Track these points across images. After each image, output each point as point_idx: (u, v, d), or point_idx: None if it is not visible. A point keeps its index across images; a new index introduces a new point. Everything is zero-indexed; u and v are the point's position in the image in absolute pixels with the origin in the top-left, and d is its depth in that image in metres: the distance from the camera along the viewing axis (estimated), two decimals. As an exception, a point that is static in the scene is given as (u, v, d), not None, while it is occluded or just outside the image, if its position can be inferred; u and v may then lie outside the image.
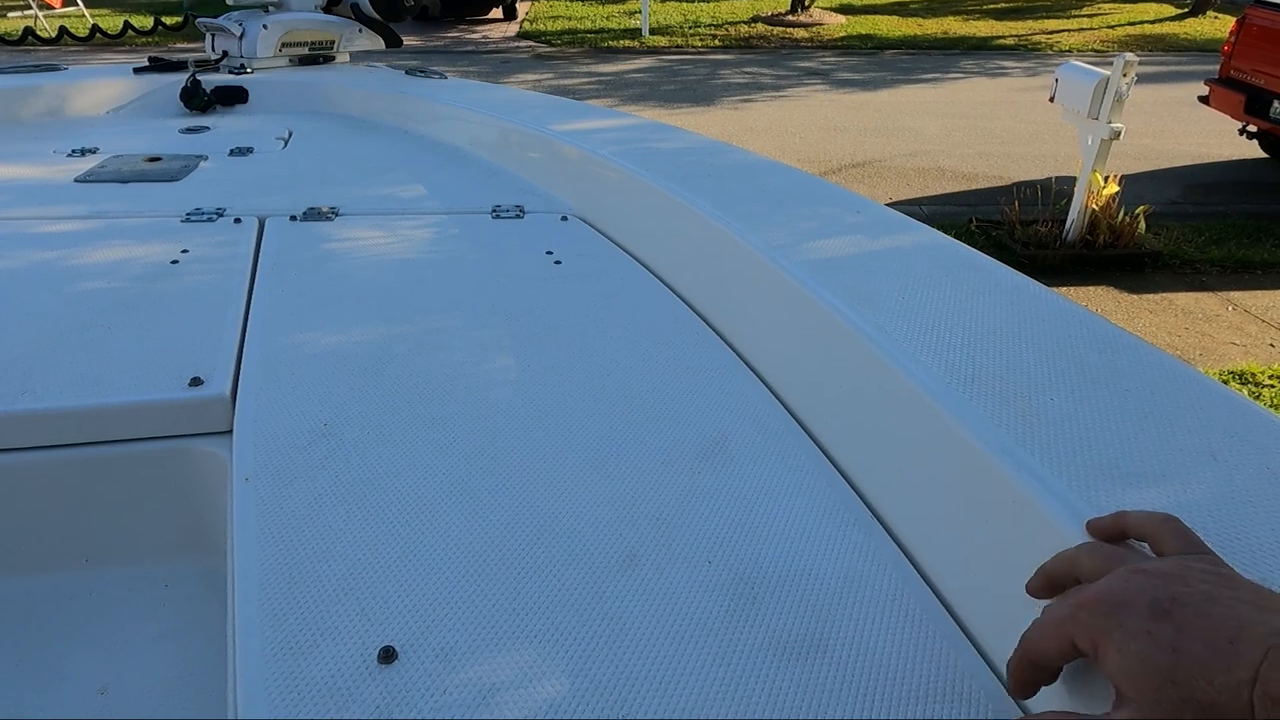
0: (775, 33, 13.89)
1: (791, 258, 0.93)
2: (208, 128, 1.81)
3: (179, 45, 12.96)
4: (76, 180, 1.42)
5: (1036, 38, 13.79)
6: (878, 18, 15.33)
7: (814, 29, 14.12)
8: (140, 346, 0.90)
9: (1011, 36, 13.99)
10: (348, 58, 2.33)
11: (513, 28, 14.56)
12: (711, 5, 16.69)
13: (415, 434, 0.77)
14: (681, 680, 0.54)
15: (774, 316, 0.93)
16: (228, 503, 0.72)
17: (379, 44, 2.34)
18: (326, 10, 2.26)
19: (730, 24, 14.67)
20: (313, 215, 1.29)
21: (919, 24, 14.86)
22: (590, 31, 13.99)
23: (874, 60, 12.29)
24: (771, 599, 0.61)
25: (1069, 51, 12.80)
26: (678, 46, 12.96)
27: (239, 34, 2.09)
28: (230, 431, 0.80)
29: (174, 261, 1.11)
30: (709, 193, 1.15)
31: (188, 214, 1.28)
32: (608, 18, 15.30)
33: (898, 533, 0.69)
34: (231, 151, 1.63)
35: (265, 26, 2.09)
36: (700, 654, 0.56)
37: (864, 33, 13.93)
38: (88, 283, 1.04)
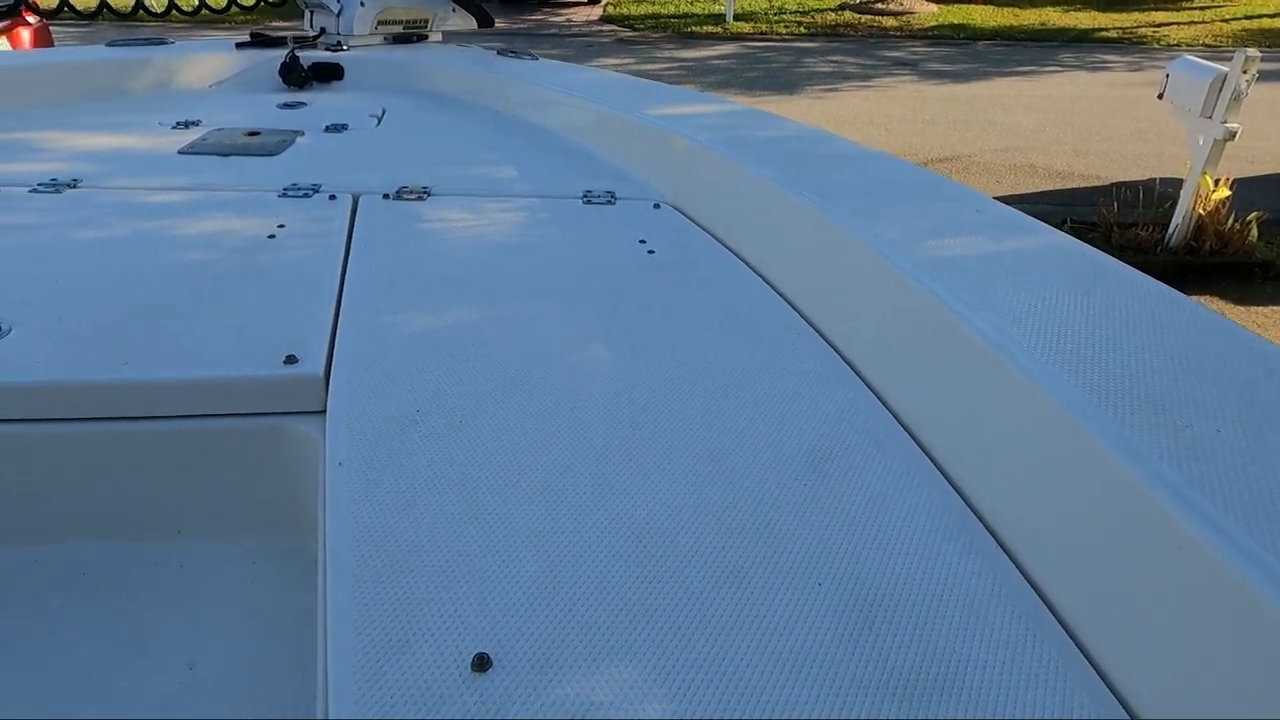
0: (863, 21, 13.54)
1: (905, 255, 0.87)
2: (304, 104, 1.83)
3: (277, 24, 13.35)
4: (180, 152, 1.45)
5: (1142, 30, 13.10)
6: (971, 7, 14.79)
7: (903, 18, 13.71)
8: (237, 320, 0.90)
9: (1115, 29, 13.32)
10: (440, 36, 2.33)
11: (596, 11, 14.55)
12: (798, -9, 16.36)
13: (507, 428, 0.75)
14: (791, 714, 0.49)
15: (884, 318, 0.87)
16: (320, 485, 0.71)
17: (471, 24, 2.33)
18: (422, -10, 2.27)
19: (816, 11, 14.36)
20: (406, 194, 1.28)
21: (1015, 14, 14.28)
22: (674, 16, 13.87)
23: (966, 51, 11.86)
24: (889, 629, 0.56)
25: (1177, 46, 12.12)
26: (762, 33, 12.75)
27: (337, 11, 2.10)
28: (323, 412, 0.79)
29: (270, 236, 1.11)
30: (813, 183, 1.10)
31: (284, 189, 1.28)
32: (692, 2, 15.15)
33: (1024, 562, 0.63)
34: (327, 128, 1.63)
35: (362, 4, 2.11)
36: (811, 687, 0.51)
37: (956, 22, 13.46)
38: (187, 254, 1.05)
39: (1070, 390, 0.63)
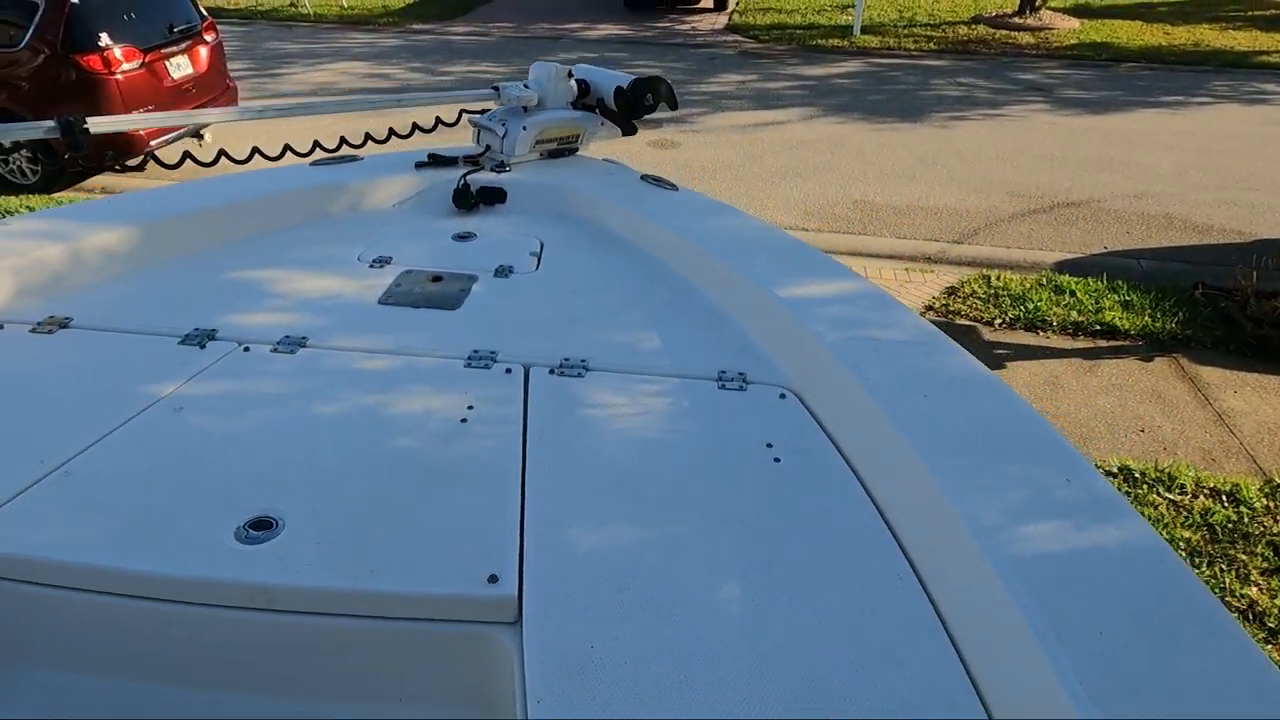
0: (997, 36, 13.09)
1: (998, 546, 1.00)
2: (474, 234, 2.09)
3: (415, 26, 14.05)
4: (380, 302, 1.72)
5: (1310, 55, 12.17)
6: (1117, 23, 14.06)
7: (1042, 34, 13.17)
8: (444, 526, 1.14)
9: (1278, 52, 12.42)
10: (589, 148, 2.56)
11: (721, 19, 14.62)
12: (930, 0, 15.94)
13: (667, 671, 0.95)
14: None
15: (984, 607, 1.01)
16: (515, 709, 0.93)
17: (617, 134, 2.55)
18: (575, 106, 2.50)
19: (949, 24, 13.98)
20: (567, 369, 1.50)
21: (1166, 31, 13.49)
22: (799, 27, 13.79)
23: (1107, 76, 11.33)
24: None
25: (1349, 74, 11.21)
26: (889, 48, 12.54)
27: (502, 134, 2.36)
28: (517, 622, 1.02)
29: (463, 420, 1.35)
30: (919, 419, 1.24)
31: (468, 357, 1.53)
32: (819, 11, 15.00)
33: None
34: (496, 271, 1.88)
35: (525, 128, 2.36)
36: None
37: (1099, 40, 12.84)
38: (401, 438, 1.30)
39: None
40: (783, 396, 1.47)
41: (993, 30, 13.47)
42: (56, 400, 1.37)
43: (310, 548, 1.09)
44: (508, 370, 1.50)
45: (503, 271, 1.89)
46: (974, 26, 13.75)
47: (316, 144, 2.22)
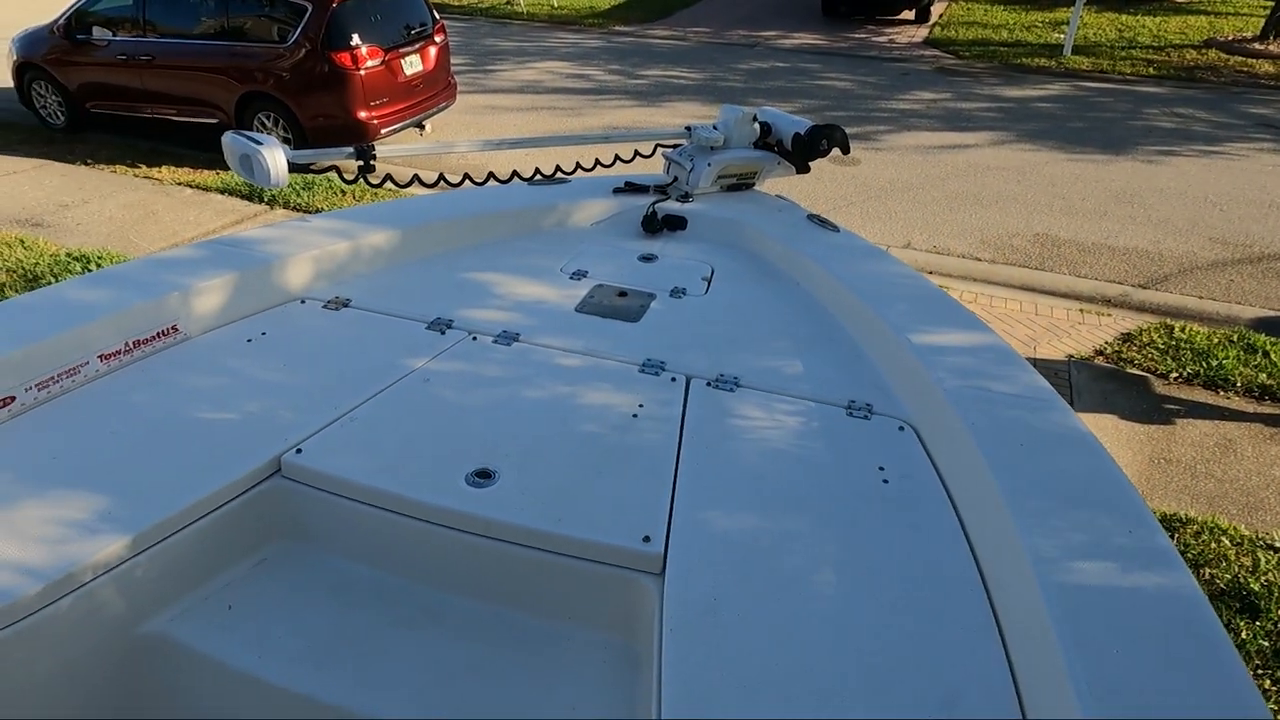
0: (1230, 63, 12.04)
1: (1051, 575, 1.22)
2: (656, 257, 2.45)
3: (617, 27, 14.77)
4: (576, 310, 2.12)
5: None
6: (1383, 53, 12.52)
7: (1285, 63, 11.98)
8: (614, 495, 1.49)
9: None
10: (764, 184, 2.86)
11: (922, 32, 14.33)
12: (1158, 20, 14.81)
13: (769, 625, 1.25)
14: None
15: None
16: (654, 638, 1.26)
17: (792, 171, 2.83)
18: (756, 146, 2.81)
19: (1175, 47, 12.99)
20: (721, 383, 1.82)
21: None
22: (1004, 44, 13.29)
23: (1358, 113, 10.20)
24: None
25: None
26: (1101, 72, 11.86)
27: (689, 169, 2.71)
28: (661, 573, 1.36)
29: (634, 415, 1.71)
30: (1010, 464, 1.45)
31: (643, 364, 1.89)
32: (1027, 28, 14.36)
33: None
34: (672, 291, 2.23)
35: (709, 164, 2.69)
36: None
37: (1355, 73, 11.52)
38: (587, 425, 1.67)
39: None
40: (901, 429, 1.71)
41: (1226, 56, 12.39)
42: (343, 364, 1.85)
43: (518, 497, 1.48)
44: (673, 379, 1.85)
45: (677, 292, 2.24)
46: (1204, 51, 12.70)
47: (537, 170, 2.69)
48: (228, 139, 2.07)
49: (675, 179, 2.80)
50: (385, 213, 2.42)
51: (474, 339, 1.98)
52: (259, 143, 2.01)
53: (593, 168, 2.74)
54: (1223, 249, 6.49)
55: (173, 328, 1.89)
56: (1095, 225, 6.86)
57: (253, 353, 1.88)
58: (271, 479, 1.55)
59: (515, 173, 2.57)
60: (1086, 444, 1.51)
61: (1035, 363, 4.92)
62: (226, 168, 8.20)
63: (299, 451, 1.57)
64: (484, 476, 1.52)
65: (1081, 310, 5.62)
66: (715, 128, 2.75)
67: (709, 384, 1.83)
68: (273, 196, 6.89)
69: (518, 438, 1.63)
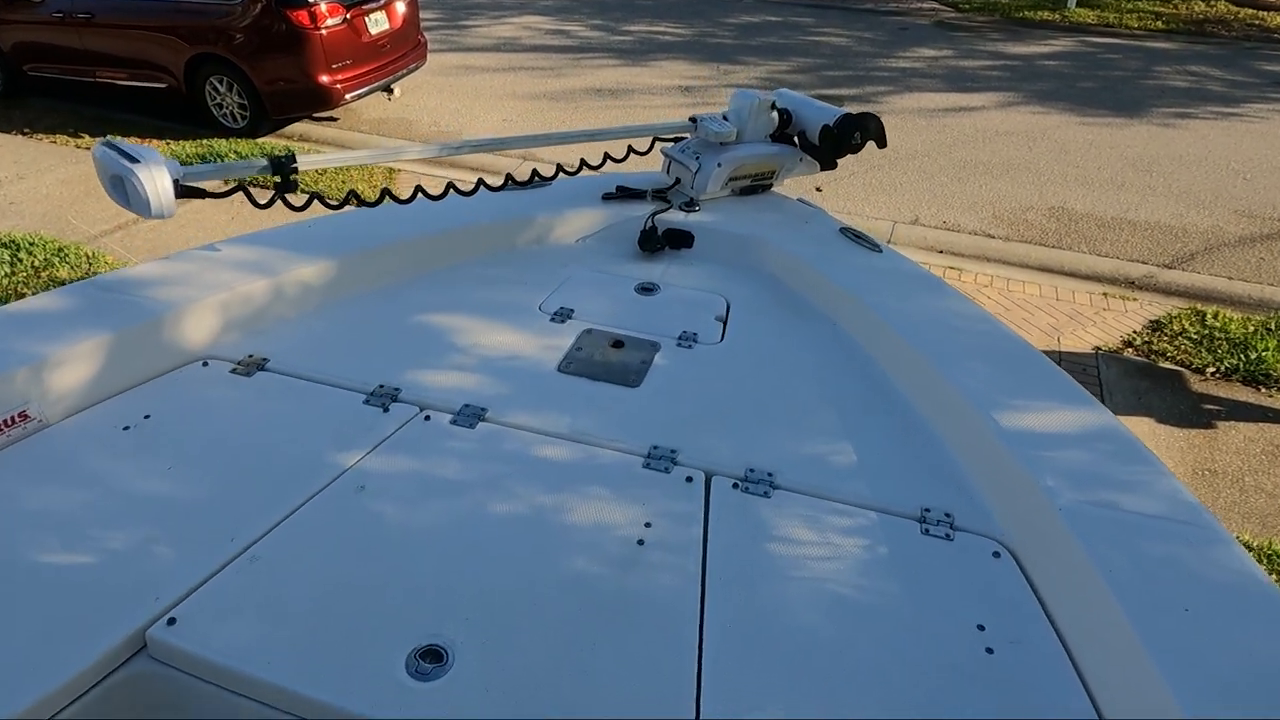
0: (1241, 15, 11.51)
1: None
2: (657, 286, 1.99)
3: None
4: (559, 370, 1.67)
5: None
6: (1398, 5, 12.02)
7: (1298, 16, 11.47)
8: (617, 674, 1.07)
9: None
10: (782, 184, 2.39)
11: (919, -17, 13.64)
12: (1163, -31, 14.18)
13: None
14: None
15: None
16: None
17: (815, 169, 2.37)
18: (773, 139, 2.33)
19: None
20: (752, 483, 1.39)
21: None
22: (1006, -4, 12.67)
23: (1376, 70, 9.75)
24: None
25: None
26: (1107, 25, 11.30)
27: (694, 170, 2.24)
28: None
29: (640, 541, 1.27)
30: (1173, 641, 1.03)
31: (648, 455, 1.44)
32: (1029, -22, 13.70)
33: None
34: (680, 338, 1.78)
35: (719, 164, 2.22)
36: None
37: (1371, 27, 11.04)
38: (576, 559, 1.24)
39: None
40: (996, 555, 1.29)
41: (1235, 9, 11.85)
42: (249, 462, 1.40)
43: (480, 691, 1.05)
44: (688, 479, 1.41)
45: (686, 339, 1.79)
46: (1213, 3, 12.16)
47: (509, 177, 2.17)
48: (97, 153, 1.59)
49: (677, 181, 2.32)
50: (318, 235, 1.94)
51: (426, 418, 1.52)
52: (135, 159, 1.52)
53: (578, 169, 2.25)
54: (1250, 223, 6.08)
55: (20, 415, 1.42)
56: (1113, 197, 6.42)
57: (128, 448, 1.42)
58: (132, 662, 1.11)
59: (480, 180, 2.07)
60: (1273, 601, 1.10)
61: (1060, 356, 4.52)
62: (183, 136, 7.59)
63: (172, 622, 1.12)
64: (433, 659, 1.09)
65: (1105, 294, 5.21)
66: (725, 118, 2.28)
67: (736, 485, 1.40)
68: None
69: (481, 589, 1.20)
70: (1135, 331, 4.76)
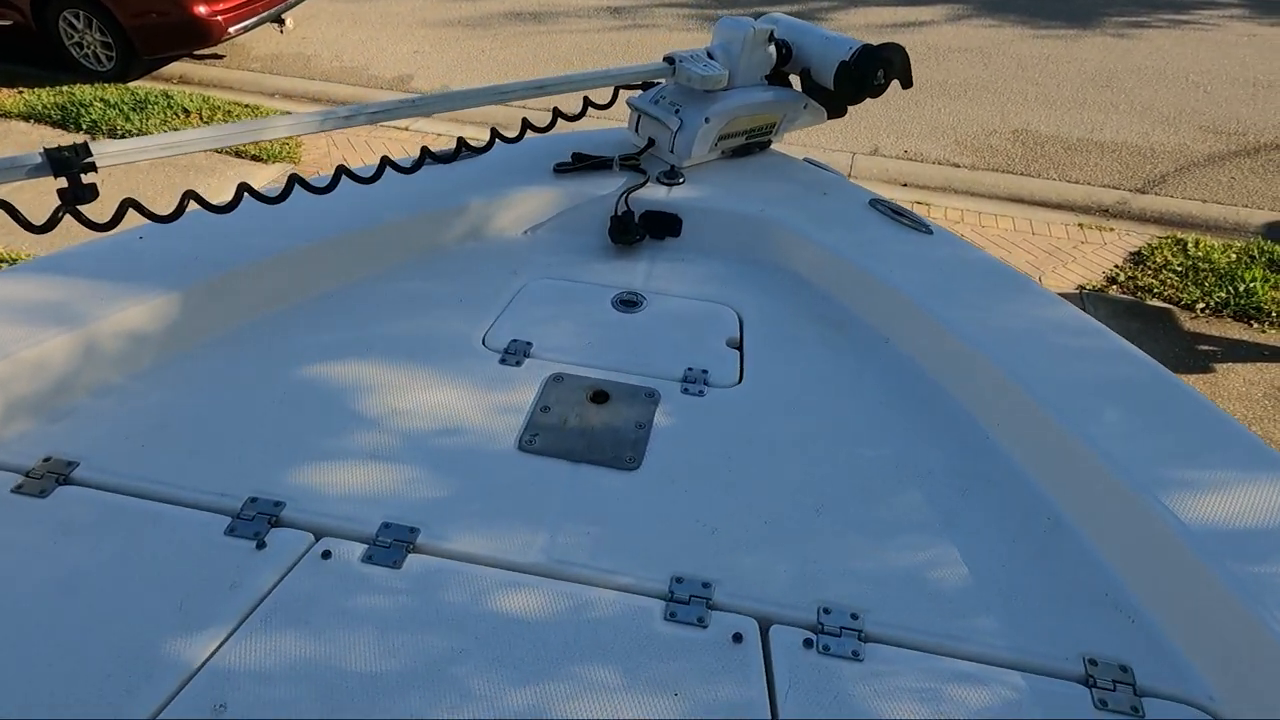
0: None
1: None
2: (642, 298, 1.47)
3: None
4: (520, 448, 1.15)
5: None
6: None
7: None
8: None
9: None
10: (780, 140, 1.88)
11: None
12: None
13: None
14: None
15: None
16: None
17: (822, 118, 1.86)
18: (770, 79, 1.80)
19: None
20: (830, 634, 0.93)
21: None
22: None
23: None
24: None
25: None
26: (1049, -71, 10.80)
27: (675, 128, 1.69)
28: None
29: None
30: None
31: (668, 598, 0.96)
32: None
33: None
34: (683, 382, 1.28)
35: (707, 120, 1.68)
36: None
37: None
38: None
39: None
40: None
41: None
42: (37, 664, 0.87)
43: None
44: (736, 637, 0.93)
45: (693, 381, 1.29)
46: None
47: (425, 150, 1.55)
48: None
49: (650, 143, 1.78)
50: (150, 252, 1.35)
51: (325, 554, 1.00)
52: None
53: (521, 133, 1.65)
54: (1216, 139, 5.81)
55: None
56: (1076, 116, 6.07)
57: None
58: None
59: (385, 159, 1.45)
60: None
61: (1045, 300, 4.18)
62: (39, 83, 6.51)
63: None
64: None
65: (1080, 225, 4.89)
66: (711, 55, 1.73)
67: (809, 642, 0.93)
68: (94, 123, 5.42)
69: None
70: (1118, 266, 4.46)
